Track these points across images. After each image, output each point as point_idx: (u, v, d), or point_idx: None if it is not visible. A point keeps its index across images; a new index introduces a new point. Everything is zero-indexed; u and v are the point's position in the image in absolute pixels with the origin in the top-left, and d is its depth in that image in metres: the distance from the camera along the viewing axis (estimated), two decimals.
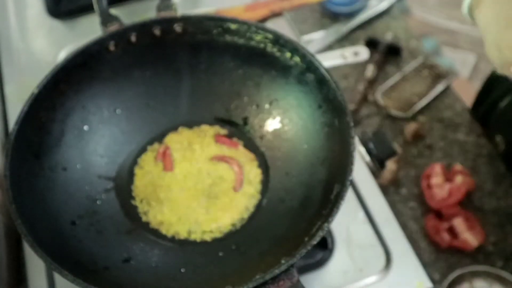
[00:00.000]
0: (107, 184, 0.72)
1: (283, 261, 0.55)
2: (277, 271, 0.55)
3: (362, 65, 1.07)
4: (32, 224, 0.59)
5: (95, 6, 0.75)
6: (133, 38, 0.72)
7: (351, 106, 1.00)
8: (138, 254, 0.66)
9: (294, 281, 0.56)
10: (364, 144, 0.77)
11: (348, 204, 0.73)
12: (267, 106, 0.75)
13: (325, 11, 1.16)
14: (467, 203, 0.89)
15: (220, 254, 0.66)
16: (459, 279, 0.77)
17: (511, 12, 0.65)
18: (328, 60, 0.80)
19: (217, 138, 0.75)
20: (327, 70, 0.67)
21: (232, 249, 0.67)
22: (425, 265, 0.70)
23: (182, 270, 0.65)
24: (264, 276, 0.54)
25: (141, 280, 0.63)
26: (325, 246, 0.70)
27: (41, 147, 0.67)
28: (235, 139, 0.75)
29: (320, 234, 0.56)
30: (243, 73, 0.75)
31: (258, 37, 0.72)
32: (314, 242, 0.56)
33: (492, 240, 0.85)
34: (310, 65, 0.69)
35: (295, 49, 0.70)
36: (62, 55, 0.89)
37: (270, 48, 0.72)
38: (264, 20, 0.91)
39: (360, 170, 0.77)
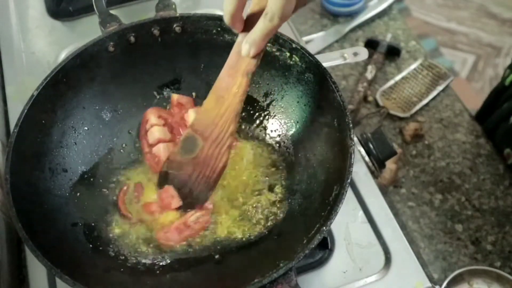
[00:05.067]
0: (109, 185, 0.72)
1: (281, 265, 0.55)
2: (275, 275, 0.55)
3: (361, 66, 1.07)
4: (33, 227, 0.59)
5: (95, 6, 0.75)
6: (132, 38, 0.73)
7: (350, 107, 1.00)
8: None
9: (292, 284, 0.56)
10: (364, 144, 0.77)
11: (348, 204, 0.73)
12: (266, 105, 0.75)
13: (324, 12, 1.16)
14: (465, 202, 0.90)
15: (216, 257, 0.66)
16: (458, 279, 0.77)
17: None
18: (328, 61, 0.80)
19: None
20: (326, 70, 0.67)
21: (230, 252, 0.67)
22: (424, 264, 0.70)
23: (182, 272, 0.65)
24: (262, 280, 0.54)
25: (142, 283, 0.64)
26: (325, 246, 0.70)
27: (41, 148, 0.67)
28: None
29: (319, 237, 0.56)
30: None
31: None
32: (312, 245, 0.56)
33: (491, 239, 0.86)
34: (309, 65, 0.69)
35: (295, 49, 0.70)
36: (63, 56, 0.89)
37: (269, 47, 0.72)
38: None
39: (360, 170, 0.77)
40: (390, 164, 0.91)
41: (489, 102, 1.06)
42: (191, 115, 0.74)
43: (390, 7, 1.16)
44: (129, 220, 0.68)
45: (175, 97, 0.76)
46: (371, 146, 0.76)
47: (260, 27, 0.56)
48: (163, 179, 0.69)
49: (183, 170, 0.67)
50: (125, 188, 0.71)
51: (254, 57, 0.59)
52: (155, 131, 0.73)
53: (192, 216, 0.67)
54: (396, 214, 0.74)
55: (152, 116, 0.74)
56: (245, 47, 0.59)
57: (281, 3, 0.54)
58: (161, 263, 0.65)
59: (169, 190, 0.68)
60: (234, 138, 0.64)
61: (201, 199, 0.68)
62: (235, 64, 0.61)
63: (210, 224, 0.67)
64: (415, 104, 1.01)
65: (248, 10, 0.59)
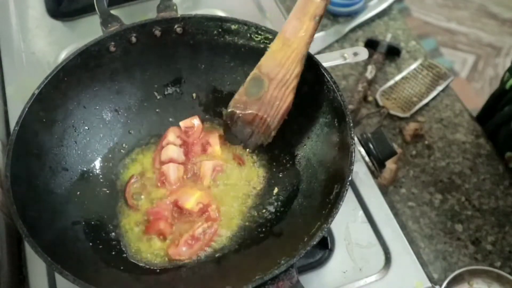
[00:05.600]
0: (109, 184, 0.72)
1: (282, 262, 0.56)
2: (276, 272, 0.55)
3: (361, 66, 1.07)
4: (33, 225, 0.59)
5: (96, 6, 0.75)
6: (133, 38, 0.73)
7: (350, 106, 1.00)
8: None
9: (294, 281, 0.56)
10: (364, 144, 0.77)
11: (348, 204, 0.73)
12: None
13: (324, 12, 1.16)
14: (465, 202, 0.90)
15: (217, 255, 0.66)
16: (458, 279, 0.77)
17: None
18: (328, 61, 0.80)
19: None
20: (326, 70, 0.67)
21: (232, 249, 0.67)
22: (424, 264, 0.70)
23: (183, 271, 0.65)
24: (263, 277, 0.55)
25: (143, 281, 0.64)
26: (325, 246, 0.70)
27: (42, 147, 0.67)
28: None
29: (320, 234, 0.57)
30: (243, 73, 0.75)
31: (258, 38, 0.72)
32: (314, 242, 0.56)
33: (491, 239, 0.86)
34: (309, 65, 0.69)
35: None
36: (63, 56, 0.89)
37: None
38: None
39: (360, 170, 0.77)
40: (390, 164, 0.91)
41: (489, 106, 1.06)
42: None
43: (390, 7, 1.16)
44: (136, 210, 0.70)
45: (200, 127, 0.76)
46: (371, 146, 0.76)
47: None
48: (229, 119, 0.71)
49: (248, 109, 0.69)
50: (132, 180, 0.72)
51: (322, 0, 0.61)
52: (170, 150, 0.73)
53: (199, 228, 0.67)
54: (396, 214, 0.74)
55: (171, 133, 0.75)
56: None
57: None
58: (161, 262, 0.66)
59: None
60: (298, 79, 0.65)
61: (265, 138, 0.71)
62: (304, 7, 0.62)
63: (217, 235, 0.68)
64: (415, 104, 1.01)
65: None
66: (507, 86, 0.99)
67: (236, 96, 0.70)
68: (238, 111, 0.70)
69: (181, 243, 0.66)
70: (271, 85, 0.66)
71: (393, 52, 1.08)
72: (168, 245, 0.67)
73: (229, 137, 0.73)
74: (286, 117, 0.70)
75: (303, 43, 0.63)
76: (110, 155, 0.74)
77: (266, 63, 0.66)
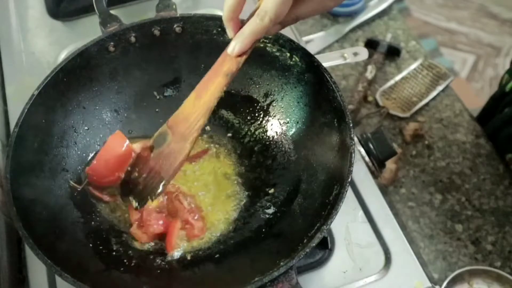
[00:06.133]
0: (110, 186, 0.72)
1: (281, 263, 0.55)
2: (275, 273, 0.55)
3: (361, 66, 1.07)
4: (33, 226, 0.59)
5: (95, 6, 0.75)
6: (132, 38, 0.73)
7: (350, 107, 1.00)
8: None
9: (293, 283, 0.56)
10: (364, 144, 0.77)
11: (348, 204, 0.73)
12: (266, 105, 0.75)
13: (324, 12, 1.16)
14: (465, 201, 0.90)
15: (216, 256, 0.66)
16: (458, 279, 0.77)
17: None
18: (328, 61, 0.80)
19: None
20: (326, 70, 0.67)
21: (230, 251, 0.67)
22: (424, 264, 0.70)
23: (182, 272, 0.65)
24: (262, 278, 0.54)
25: (142, 282, 0.64)
26: (325, 246, 0.70)
27: (42, 148, 0.67)
28: None
29: (319, 236, 0.56)
30: (243, 73, 0.75)
31: None
32: (313, 244, 0.56)
33: (491, 239, 0.86)
34: (309, 65, 0.69)
35: (295, 49, 0.70)
36: (63, 56, 0.89)
37: (269, 47, 0.72)
38: None
39: (360, 170, 0.77)
40: (390, 164, 0.91)
41: (489, 108, 1.06)
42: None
43: (390, 7, 1.16)
44: (105, 201, 0.69)
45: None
46: (371, 146, 0.76)
47: (249, 25, 0.56)
48: (128, 176, 0.68)
49: (145, 164, 0.66)
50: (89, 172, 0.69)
51: (237, 57, 0.59)
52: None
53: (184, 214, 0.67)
54: (396, 214, 0.74)
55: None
56: (231, 44, 0.59)
57: (275, 2, 0.54)
58: (161, 263, 0.66)
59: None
60: (200, 132, 0.63)
61: (153, 193, 0.65)
62: (221, 63, 0.61)
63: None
64: (415, 104, 1.01)
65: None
66: (507, 88, 0.99)
67: (141, 152, 0.67)
68: (137, 168, 0.67)
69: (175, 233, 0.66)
70: (173, 138, 0.64)
71: (393, 52, 1.09)
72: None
73: (124, 193, 0.69)
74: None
75: (212, 97, 0.61)
76: None
77: (174, 117, 0.64)
